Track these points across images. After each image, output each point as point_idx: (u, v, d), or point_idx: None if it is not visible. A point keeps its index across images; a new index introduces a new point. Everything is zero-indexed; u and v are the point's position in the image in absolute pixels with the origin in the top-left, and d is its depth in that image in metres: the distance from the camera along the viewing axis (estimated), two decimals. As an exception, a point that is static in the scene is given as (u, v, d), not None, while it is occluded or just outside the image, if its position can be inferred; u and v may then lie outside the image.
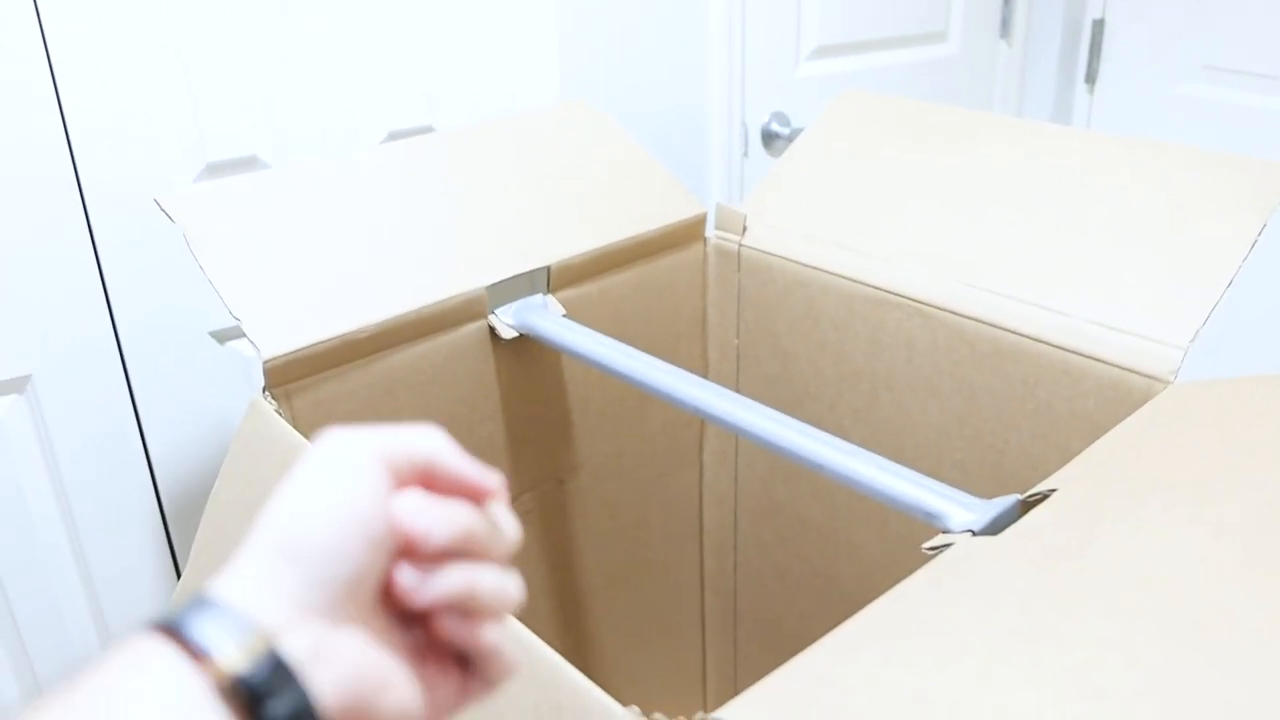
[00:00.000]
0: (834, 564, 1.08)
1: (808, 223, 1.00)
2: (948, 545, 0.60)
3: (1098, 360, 0.79)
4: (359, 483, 0.36)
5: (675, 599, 1.22)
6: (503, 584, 0.39)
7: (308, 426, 0.81)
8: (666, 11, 1.36)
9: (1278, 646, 0.42)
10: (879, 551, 1.02)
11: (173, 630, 0.32)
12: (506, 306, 0.92)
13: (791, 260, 0.99)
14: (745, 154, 1.50)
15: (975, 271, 0.87)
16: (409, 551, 0.37)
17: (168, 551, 1.11)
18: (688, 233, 1.05)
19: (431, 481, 0.39)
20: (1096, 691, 0.40)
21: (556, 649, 0.52)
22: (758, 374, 1.08)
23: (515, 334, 0.91)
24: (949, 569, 0.55)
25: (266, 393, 0.78)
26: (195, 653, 0.31)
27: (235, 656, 0.31)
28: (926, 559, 0.57)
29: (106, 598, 1.08)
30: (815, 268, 0.97)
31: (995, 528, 0.62)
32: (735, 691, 1.09)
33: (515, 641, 0.52)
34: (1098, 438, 0.67)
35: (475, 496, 0.40)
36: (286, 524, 0.35)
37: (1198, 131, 1.65)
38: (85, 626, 1.08)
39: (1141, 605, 0.47)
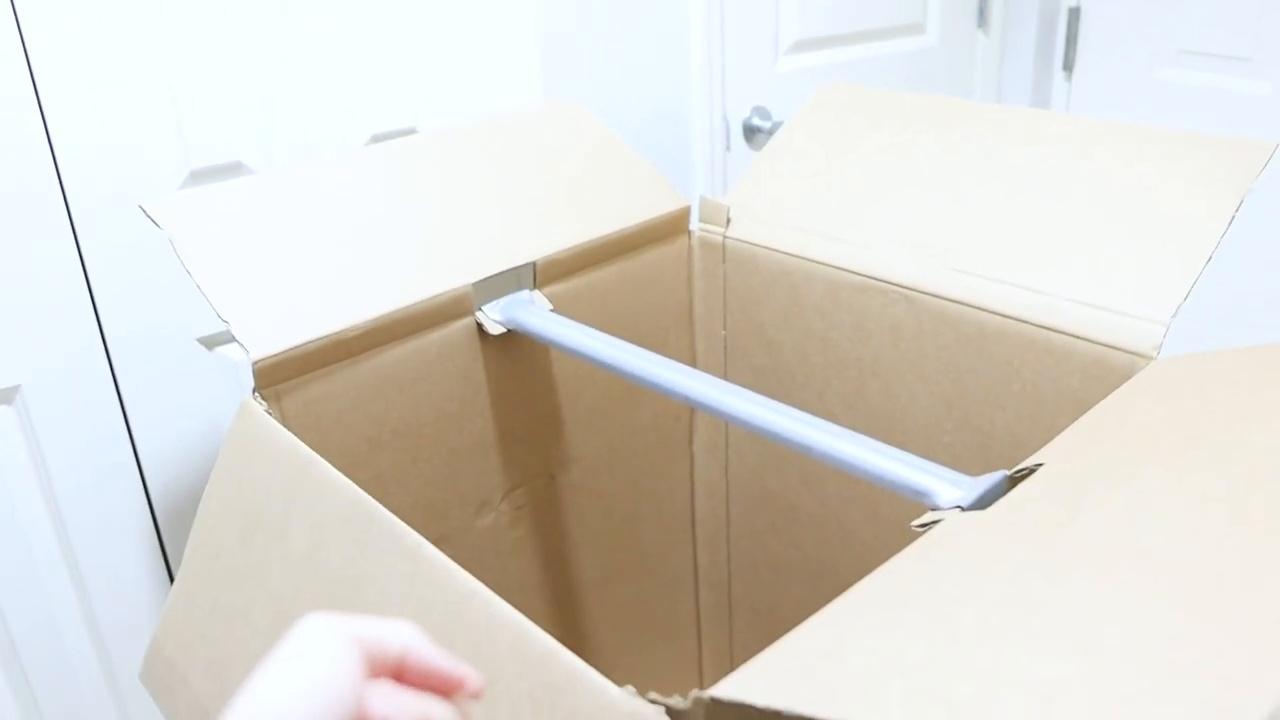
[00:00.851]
0: (827, 551, 1.09)
1: (791, 213, 1.01)
2: (936, 521, 0.61)
3: (1081, 338, 0.79)
4: (330, 671, 0.39)
5: (670, 591, 1.23)
6: None
7: (298, 426, 0.82)
8: (647, 10, 1.37)
9: (1258, 602, 0.43)
10: (871, 536, 1.03)
11: None
12: (494, 303, 0.93)
13: (776, 250, 1.00)
14: (727, 148, 1.51)
15: (958, 255, 0.88)
16: None
17: (160, 557, 1.11)
18: (672, 226, 1.06)
19: (405, 673, 0.42)
20: (1084, 650, 0.41)
21: (552, 634, 0.52)
22: (746, 365, 1.09)
23: (503, 330, 0.91)
24: (938, 543, 0.56)
25: (256, 394, 0.78)
26: None
27: None
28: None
29: (100, 605, 1.08)
30: (799, 257, 0.98)
31: (983, 503, 0.63)
32: (732, 682, 1.09)
33: (508, 624, 0.52)
34: (1083, 414, 0.67)
35: (448, 690, 0.43)
36: (261, 700, 0.37)
37: (1175, 115, 1.66)
38: (80, 634, 1.08)
39: (1127, 569, 0.47)
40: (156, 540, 1.11)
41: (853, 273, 0.94)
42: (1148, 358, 0.75)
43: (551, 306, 0.94)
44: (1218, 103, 1.60)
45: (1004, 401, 0.86)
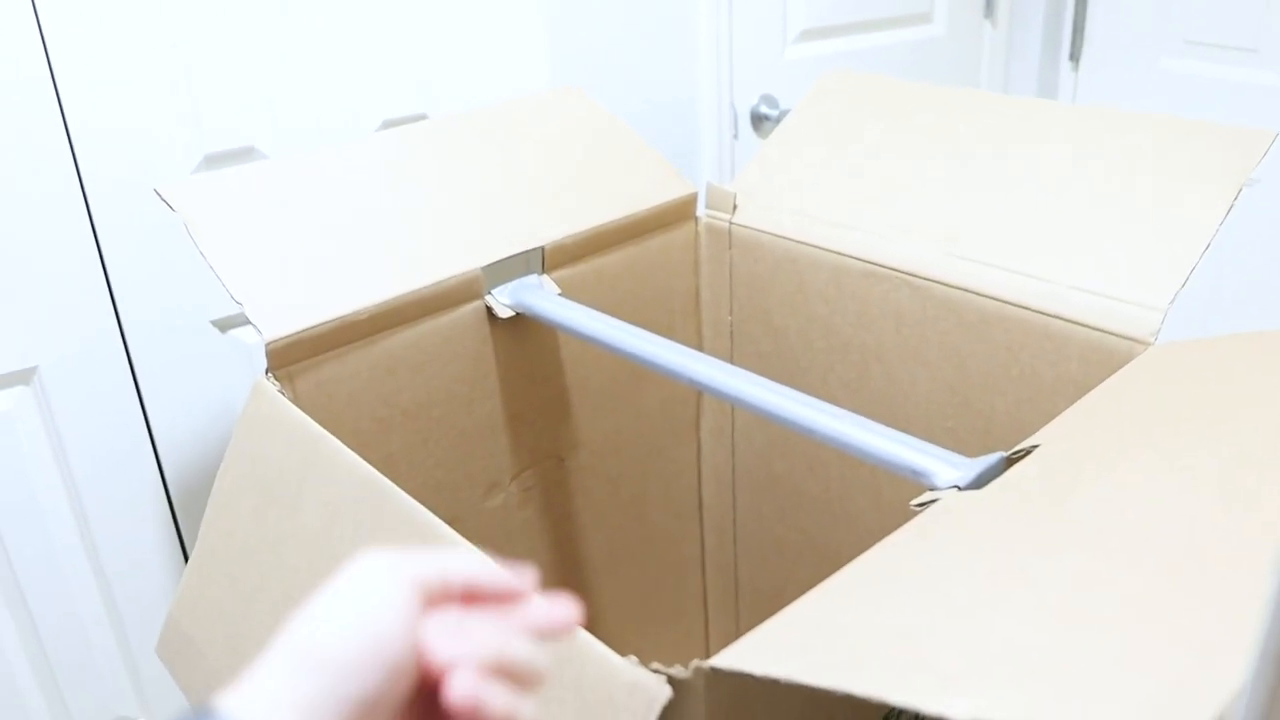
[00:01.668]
0: (832, 534, 1.10)
1: (796, 200, 1.02)
2: (934, 500, 0.62)
3: (1080, 324, 0.81)
4: (383, 605, 0.37)
5: (677, 574, 1.24)
6: (531, 715, 0.39)
7: (310, 406, 0.83)
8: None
9: (1238, 576, 0.44)
10: (874, 520, 1.04)
11: None
12: (503, 286, 0.94)
13: (781, 237, 1.01)
14: (735, 136, 1.52)
15: (959, 242, 0.89)
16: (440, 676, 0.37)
17: (175, 535, 1.13)
18: (679, 212, 1.07)
19: (476, 603, 0.40)
20: (1069, 622, 0.42)
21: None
22: (751, 350, 1.10)
23: (512, 313, 0.93)
24: (934, 521, 0.58)
25: (269, 374, 0.80)
26: None
27: None
28: (916, 516, 0.59)
29: (117, 582, 1.10)
30: (804, 243, 0.99)
31: (980, 483, 0.64)
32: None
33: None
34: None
35: (512, 602, 0.40)
36: (305, 637, 0.36)
37: (1180, 105, 1.66)
38: (97, 611, 1.10)
39: (1115, 546, 0.49)
40: (171, 518, 1.13)
41: (856, 259, 0.95)
42: (1145, 343, 0.77)
43: (560, 291, 0.96)
44: (1224, 93, 1.60)
45: (1004, 386, 0.88)
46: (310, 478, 0.70)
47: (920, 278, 0.91)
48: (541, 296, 0.93)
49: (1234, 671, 0.37)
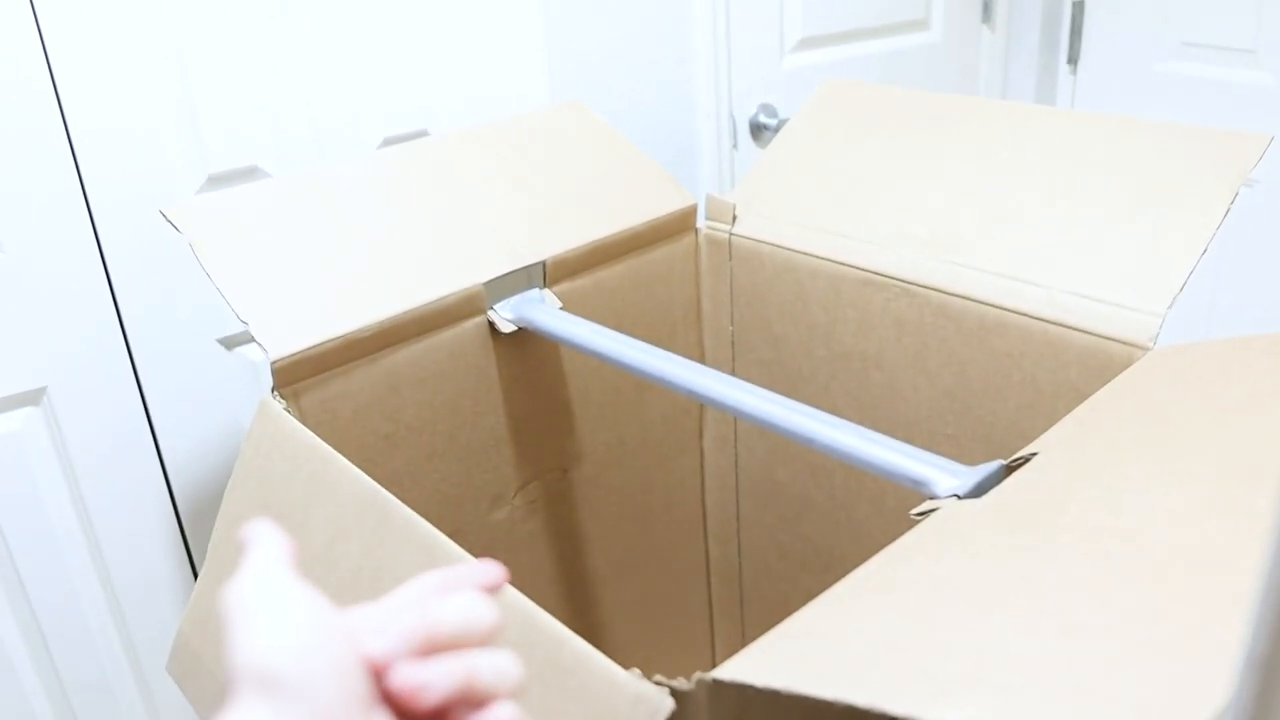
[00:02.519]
0: (835, 542, 1.11)
1: (795, 210, 1.03)
2: (934, 510, 0.62)
3: (1079, 330, 0.81)
4: (305, 605, 0.36)
5: (681, 584, 1.25)
6: (498, 663, 0.38)
7: (315, 424, 0.84)
8: (653, 10, 1.39)
9: (1235, 583, 0.45)
10: (878, 526, 1.05)
11: None
12: (505, 301, 0.95)
13: (780, 247, 1.02)
14: (734, 146, 1.53)
15: (958, 250, 0.90)
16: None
17: (185, 553, 1.14)
18: (679, 224, 1.08)
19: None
20: (1066, 628, 0.43)
21: (562, 619, 0.54)
22: (753, 359, 1.11)
23: (514, 328, 0.94)
24: (934, 530, 0.58)
25: (275, 392, 0.81)
26: None
27: None
28: (916, 525, 0.60)
29: (127, 600, 1.11)
30: (803, 253, 1.00)
31: (979, 491, 0.65)
32: (743, 671, 1.11)
33: (517, 610, 0.54)
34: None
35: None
36: (249, 660, 0.35)
37: (1178, 107, 1.67)
38: (108, 629, 1.11)
39: (1112, 552, 0.49)
40: (180, 537, 1.14)
41: (856, 268, 0.96)
42: (1144, 348, 0.77)
43: (561, 304, 0.97)
44: (1221, 94, 1.61)
45: (1004, 393, 0.88)
46: (316, 495, 0.71)
47: (919, 286, 0.91)
48: (543, 311, 0.94)
49: (1227, 682, 0.38)
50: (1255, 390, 0.66)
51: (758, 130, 1.54)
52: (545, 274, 0.97)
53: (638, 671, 0.51)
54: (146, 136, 1.02)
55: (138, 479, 1.09)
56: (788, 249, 1.01)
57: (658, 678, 0.50)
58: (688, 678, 0.49)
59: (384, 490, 0.66)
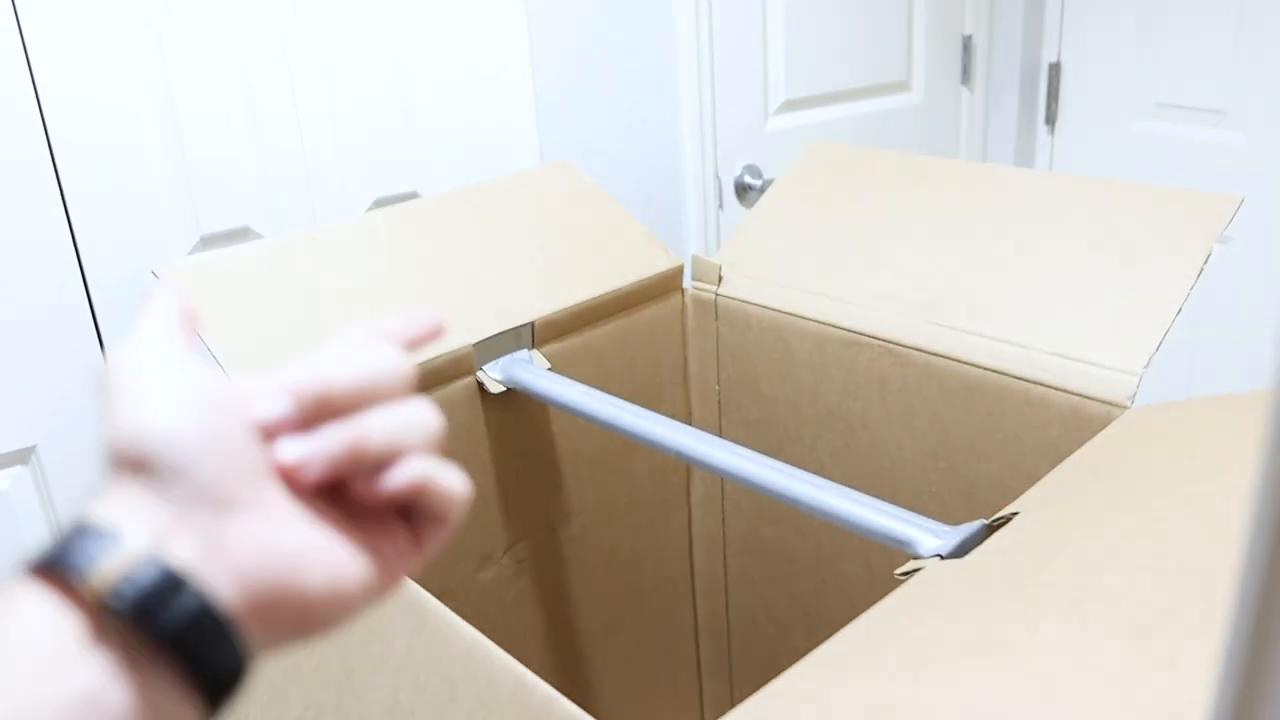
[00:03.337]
0: (822, 600, 1.11)
1: (780, 270, 1.04)
2: (918, 569, 0.63)
3: (1058, 389, 0.82)
4: (185, 374, 0.33)
5: (670, 642, 1.25)
6: (399, 419, 0.35)
7: (306, 485, 0.84)
8: (639, 74, 1.42)
9: (1215, 644, 0.46)
10: (864, 583, 1.05)
11: (44, 568, 0.30)
12: (494, 362, 0.96)
13: (766, 307, 1.03)
14: (720, 206, 1.55)
15: (940, 310, 0.91)
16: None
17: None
18: (666, 284, 1.09)
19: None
20: (1048, 689, 0.43)
21: (550, 682, 0.55)
22: (739, 418, 1.12)
23: (503, 388, 0.94)
24: (917, 591, 0.59)
25: (266, 454, 0.81)
26: (68, 586, 0.29)
27: (110, 576, 0.29)
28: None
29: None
30: (789, 313, 1.01)
31: (962, 551, 0.65)
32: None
33: (506, 672, 0.55)
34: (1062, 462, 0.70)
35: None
36: (121, 438, 0.31)
37: (1154, 166, 1.71)
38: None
39: (1092, 613, 0.50)
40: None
41: (840, 328, 0.97)
42: (1122, 407, 0.78)
43: (550, 365, 0.98)
44: (1194, 154, 1.64)
45: (987, 451, 0.89)
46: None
47: (902, 345, 0.93)
48: (531, 372, 0.95)
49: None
50: (1233, 448, 0.67)
51: (743, 190, 1.57)
52: (534, 335, 0.98)
53: (626, 734, 0.51)
54: (140, 197, 1.03)
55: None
56: (773, 309, 1.03)
57: (645, 740, 0.50)
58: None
59: (373, 552, 0.66)
